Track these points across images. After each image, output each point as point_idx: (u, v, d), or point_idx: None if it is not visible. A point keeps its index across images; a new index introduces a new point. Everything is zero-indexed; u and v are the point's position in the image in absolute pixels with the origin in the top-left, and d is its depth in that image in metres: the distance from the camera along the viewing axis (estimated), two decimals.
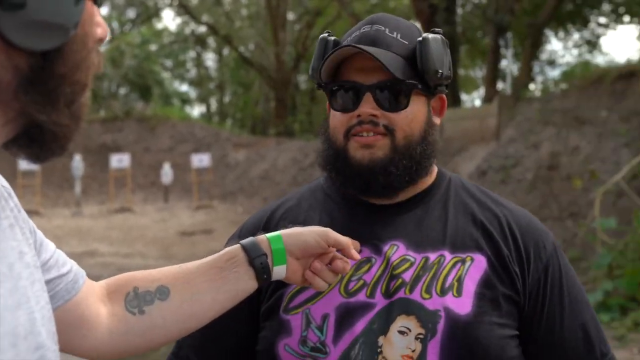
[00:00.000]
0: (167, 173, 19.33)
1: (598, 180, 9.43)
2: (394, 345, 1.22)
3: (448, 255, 1.29)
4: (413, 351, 1.22)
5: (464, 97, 30.77)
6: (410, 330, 1.23)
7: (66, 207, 19.11)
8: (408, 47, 1.29)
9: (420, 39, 1.29)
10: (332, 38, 1.34)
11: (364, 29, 1.31)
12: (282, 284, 1.27)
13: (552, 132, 11.39)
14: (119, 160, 19.43)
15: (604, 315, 6.95)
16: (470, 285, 1.26)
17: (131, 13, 36.30)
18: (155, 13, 35.49)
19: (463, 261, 1.28)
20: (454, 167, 13.04)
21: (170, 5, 32.26)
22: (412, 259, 1.28)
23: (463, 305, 1.24)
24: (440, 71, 1.28)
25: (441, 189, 1.37)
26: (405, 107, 1.28)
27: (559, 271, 1.32)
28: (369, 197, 1.34)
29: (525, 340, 1.29)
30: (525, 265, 1.30)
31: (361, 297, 1.26)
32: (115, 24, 36.08)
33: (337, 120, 1.30)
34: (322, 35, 1.35)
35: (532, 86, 17.04)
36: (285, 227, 1.28)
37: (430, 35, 1.30)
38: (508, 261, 1.29)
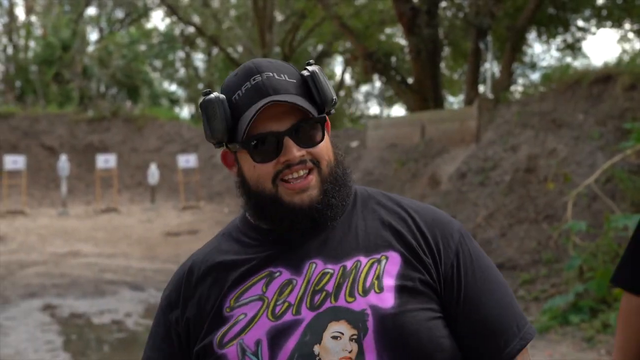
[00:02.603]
0: (153, 173, 19.32)
1: (573, 183, 9.57)
2: (329, 350, 1.29)
3: (364, 259, 1.37)
4: (350, 352, 1.29)
5: (450, 99, 30.92)
6: (343, 334, 1.30)
7: (52, 207, 19.11)
8: (297, 85, 1.39)
9: (308, 73, 1.39)
10: (222, 97, 1.37)
11: (255, 80, 1.36)
12: (215, 326, 1.36)
13: (530, 134, 11.53)
14: (106, 161, 19.42)
15: (574, 317, 7.05)
16: (389, 280, 1.34)
17: (120, 13, 36.28)
18: (144, 13, 35.47)
19: (379, 261, 1.36)
20: (435, 168, 13.17)
21: (159, 5, 32.24)
22: (331, 271, 1.36)
23: (386, 299, 1.32)
24: (334, 98, 1.40)
25: (348, 205, 1.45)
26: (322, 139, 1.38)
27: (469, 255, 1.42)
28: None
29: (448, 322, 1.37)
30: (437, 255, 1.39)
31: (288, 316, 1.33)
32: (103, 24, 36.06)
33: (261, 170, 1.36)
34: (212, 97, 1.37)
35: (513, 89, 17.16)
36: (205, 271, 1.42)
37: (314, 68, 1.40)
38: (420, 253, 1.38)
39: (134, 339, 8.28)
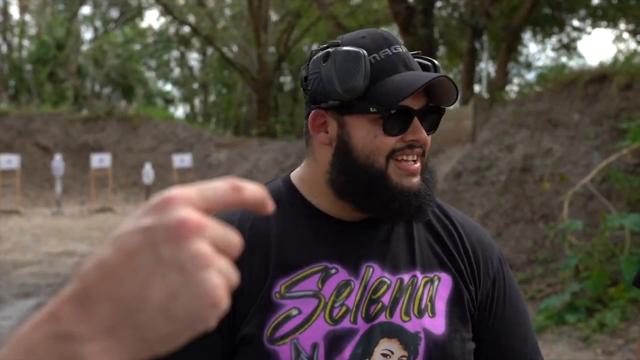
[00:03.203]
0: (148, 173, 19.29)
1: (569, 183, 9.57)
2: None
3: (420, 276, 1.32)
4: None
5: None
6: (392, 353, 1.25)
7: (46, 206, 19.07)
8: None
9: (435, 63, 1.34)
10: (366, 54, 1.26)
11: (397, 49, 1.29)
12: (263, 311, 1.25)
13: (525, 134, 11.53)
14: (100, 160, 19.37)
15: (570, 317, 7.05)
16: (441, 305, 1.31)
17: (114, 12, 36.22)
18: (139, 13, 35.43)
19: (432, 281, 1.32)
20: None
21: (154, 5, 32.19)
22: (389, 281, 1.29)
23: (438, 325, 1.29)
24: None
25: None
26: (435, 129, 1.32)
27: (504, 285, 1.39)
28: (363, 215, 1.32)
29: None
30: (477, 280, 1.36)
31: (346, 323, 1.25)
32: (98, 23, 35.99)
33: (382, 142, 1.25)
34: (357, 50, 1.25)
35: (508, 88, 17.18)
36: (254, 241, 1.27)
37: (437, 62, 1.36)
38: (466, 276, 1.35)
39: None
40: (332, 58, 1.25)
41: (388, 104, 1.23)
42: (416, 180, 1.27)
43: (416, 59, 1.34)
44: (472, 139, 13.19)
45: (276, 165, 19.04)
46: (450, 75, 29.38)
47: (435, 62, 1.35)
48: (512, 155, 11.43)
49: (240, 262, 1.25)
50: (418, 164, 1.27)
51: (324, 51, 1.28)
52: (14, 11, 44.75)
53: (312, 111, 1.30)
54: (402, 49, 1.29)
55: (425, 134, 1.27)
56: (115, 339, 0.44)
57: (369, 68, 1.24)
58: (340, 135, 1.28)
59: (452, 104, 1.29)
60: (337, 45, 1.28)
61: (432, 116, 1.30)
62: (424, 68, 1.33)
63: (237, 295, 1.24)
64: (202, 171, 20.61)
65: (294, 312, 1.25)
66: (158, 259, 0.44)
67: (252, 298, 1.26)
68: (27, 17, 33.33)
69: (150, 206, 0.47)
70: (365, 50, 1.25)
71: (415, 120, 1.26)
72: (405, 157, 1.26)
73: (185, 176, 19.77)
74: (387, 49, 1.27)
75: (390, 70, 1.26)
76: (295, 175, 1.38)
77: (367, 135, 1.26)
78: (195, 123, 28.60)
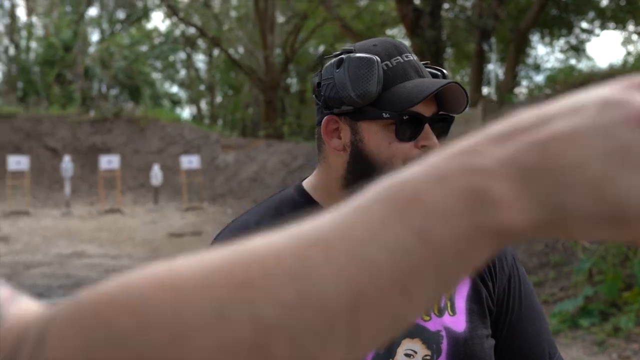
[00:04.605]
0: (156, 174, 19.31)
1: None
2: None
3: None
4: None
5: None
6: (416, 353, 1.26)
7: (55, 207, 19.12)
8: None
9: (444, 72, 1.38)
10: (382, 63, 1.30)
11: (408, 57, 1.32)
12: None
13: None
14: (109, 162, 19.41)
15: (584, 321, 7.03)
16: (461, 303, 1.32)
17: (121, 14, 36.31)
18: (145, 14, 35.50)
19: None
20: None
21: (160, 6, 32.27)
22: None
23: (459, 323, 1.30)
24: None
25: None
26: (445, 137, 1.34)
27: (519, 280, 1.41)
28: None
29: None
30: (494, 276, 1.37)
31: None
32: (105, 25, 36.07)
33: (397, 149, 1.29)
34: (371, 56, 1.29)
35: (517, 90, 17.18)
36: None
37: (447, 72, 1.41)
38: (484, 274, 1.36)
39: None
40: (345, 64, 1.28)
41: (400, 110, 1.26)
42: None
43: (426, 69, 1.37)
44: None
45: (284, 166, 19.06)
46: (458, 78, 29.42)
47: (445, 71, 1.40)
48: None
49: None
50: None
51: (337, 57, 1.31)
52: (22, 13, 44.89)
53: (325, 117, 1.33)
54: (413, 57, 1.33)
55: (436, 140, 1.29)
56: (530, 191, 0.40)
57: (382, 74, 1.27)
58: (354, 142, 1.31)
59: (462, 111, 1.32)
60: (350, 51, 1.31)
61: (442, 124, 1.33)
62: (433, 77, 1.37)
63: None
64: (210, 173, 20.63)
65: None
66: (611, 136, 0.40)
67: None
68: (35, 19, 33.45)
69: (618, 87, 0.43)
70: (378, 57, 1.29)
71: (427, 127, 1.29)
72: None
73: (194, 178, 19.79)
74: (398, 57, 1.31)
75: (402, 77, 1.29)
76: (308, 183, 1.40)
77: (381, 142, 1.29)
78: (202, 125, 28.65)
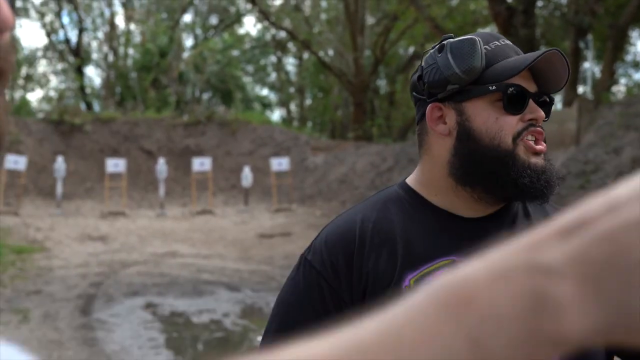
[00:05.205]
0: (247, 176, 19.60)
1: None
2: None
3: None
4: None
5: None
6: None
7: (150, 208, 19.69)
8: None
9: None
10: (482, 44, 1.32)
11: (505, 41, 1.35)
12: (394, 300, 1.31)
13: (634, 136, 11.10)
14: (201, 164, 19.84)
15: None
16: None
17: (214, 20, 37.14)
18: (237, 19, 36.18)
19: None
20: None
21: (251, 11, 32.83)
22: None
23: None
24: None
25: None
26: (547, 117, 1.36)
27: None
28: (493, 206, 1.35)
29: None
30: None
31: None
32: (198, 31, 36.99)
33: (505, 123, 1.29)
34: (473, 37, 1.32)
35: (615, 89, 16.56)
36: (379, 241, 1.32)
37: None
38: None
39: (230, 338, 8.44)
40: (447, 47, 1.31)
41: (506, 80, 1.28)
42: (541, 159, 1.30)
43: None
44: (576, 142, 12.79)
45: (373, 168, 19.01)
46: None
47: None
48: (619, 158, 11.02)
49: (366, 260, 1.30)
50: (543, 145, 1.31)
51: (438, 45, 1.34)
52: (120, 21, 46.65)
53: (429, 105, 1.35)
54: (510, 43, 1.36)
55: (542, 113, 1.31)
56: (596, 293, 0.37)
57: (484, 52, 1.30)
58: (460, 122, 1.32)
59: (564, 84, 1.33)
60: (450, 38, 1.35)
61: (542, 106, 1.33)
62: None
63: (365, 292, 1.29)
64: (299, 174, 20.79)
65: None
66: None
67: (381, 291, 1.28)
68: (132, 27, 34.66)
69: None
70: (483, 41, 1.32)
71: (532, 101, 1.30)
72: (529, 138, 1.29)
73: (283, 179, 19.99)
74: (496, 41, 1.34)
75: (503, 55, 1.32)
76: (410, 179, 1.42)
77: (488, 118, 1.30)
78: (291, 127, 28.93)
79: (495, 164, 1.29)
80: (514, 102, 1.29)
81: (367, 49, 26.93)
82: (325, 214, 16.93)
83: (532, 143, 1.29)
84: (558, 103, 18.20)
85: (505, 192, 1.31)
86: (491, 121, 1.29)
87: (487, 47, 1.32)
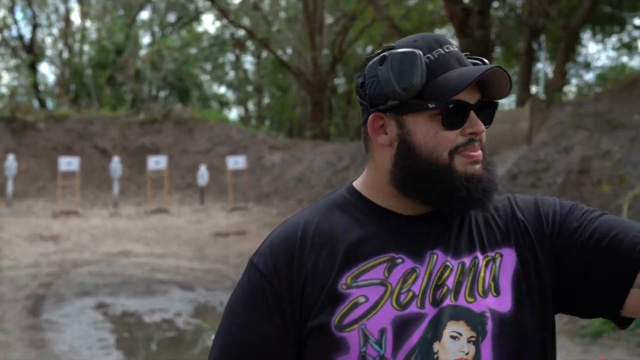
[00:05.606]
0: (203, 175, 19.50)
1: (628, 185, 9.34)
2: (447, 350, 1.27)
3: (480, 257, 1.35)
4: (467, 354, 1.27)
5: (502, 100, 30.47)
6: (461, 335, 1.28)
7: (104, 207, 19.45)
8: None
9: (484, 61, 1.37)
10: (421, 53, 1.31)
11: (449, 48, 1.34)
12: (330, 303, 1.30)
13: (584, 136, 11.30)
14: (157, 162, 19.66)
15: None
16: (506, 282, 1.33)
17: (172, 17, 36.81)
18: (196, 17, 35.93)
19: (493, 259, 1.35)
20: None
21: (210, 9, 32.62)
22: (451, 266, 1.32)
23: (504, 302, 1.31)
24: None
25: None
26: (490, 124, 1.37)
27: (575, 216, 1.36)
28: (427, 208, 1.36)
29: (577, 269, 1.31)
30: (545, 239, 1.36)
31: (413, 308, 1.29)
32: (156, 28, 36.64)
33: (443, 138, 1.31)
34: (413, 50, 1.31)
35: (566, 89, 16.83)
36: (319, 242, 1.34)
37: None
38: (531, 244, 1.36)
39: (183, 338, 8.38)
40: (388, 60, 1.31)
41: (445, 99, 1.28)
42: (479, 166, 1.32)
43: (468, 59, 1.38)
44: (528, 141, 12.97)
45: (329, 167, 19.04)
46: (511, 75, 29.00)
47: (486, 60, 1.39)
48: (569, 157, 11.21)
49: (305, 261, 1.33)
50: (479, 152, 1.32)
51: (380, 55, 1.34)
52: (76, 17, 45.93)
53: (371, 114, 1.36)
54: (454, 47, 1.34)
55: (482, 125, 1.32)
56: None
57: (425, 66, 1.30)
58: (401, 135, 1.33)
59: (506, 95, 1.34)
60: (392, 48, 1.34)
61: (486, 110, 1.35)
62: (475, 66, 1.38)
63: (304, 292, 1.32)
64: (256, 173, 20.74)
65: (361, 299, 1.29)
66: None
67: (318, 293, 1.31)
68: (88, 23, 34.15)
69: None
70: (426, 49, 1.32)
71: (472, 114, 1.31)
72: (468, 153, 1.31)
73: (240, 178, 19.92)
74: (439, 49, 1.33)
75: (445, 67, 1.31)
76: (357, 182, 1.45)
77: (427, 133, 1.31)
78: (249, 125, 28.83)
79: (433, 178, 1.31)
80: (452, 118, 1.30)
81: (325, 48, 26.96)
82: (282, 213, 16.91)
83: (469, 152, 1.31)
84: (512, 103, 18.48)
85: (444, 205, 1.34)
86: (430, 136, 1.31)
87: (429, 56, 1.32)
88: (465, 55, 1.39)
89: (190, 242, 15.02)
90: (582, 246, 1.32)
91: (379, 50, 1.37)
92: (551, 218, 1.37)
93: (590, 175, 10.51)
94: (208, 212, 18.76)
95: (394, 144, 1.34)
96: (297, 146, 21.85)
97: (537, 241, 1.36)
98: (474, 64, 1.37)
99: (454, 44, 1.36)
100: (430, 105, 1.29)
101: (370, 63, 1.35)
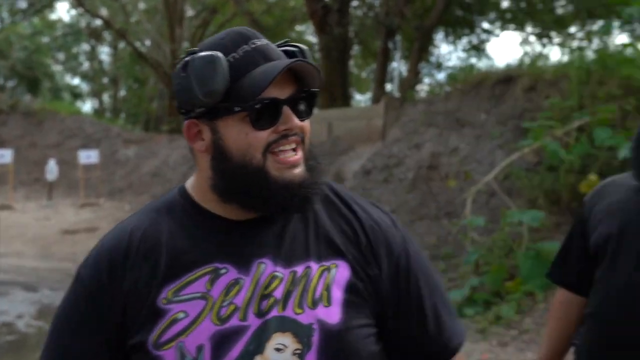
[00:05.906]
0: (52, 169, 18.72)
1: (473, 181, 9.71)
2: None
3: (314, 266, 1.30)
4: None
5: (358, 97, 31.26)
6: (286, 347, 1.24)
7: None
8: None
9: (299, 50, 1.33)
10: (222, 55, 1.26)
11: (255, 43, 1.28)
12: (149, 319, 1.25)
13: (434, 133, 11.65)
14: (1, 156, 18.67)
15: (469, 310, 7.19)
16: (338, 293, 1.28)
17: (23, 3, 35.04)
18: (49, 4, 34.38)
19: (328, 269, 1.30)
20: (340, 166, 13.17)
21: None
22: (281, 275, 1.27)
23: (333, 314, 1.26)
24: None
25: None
26: (311, 113, 1.32)
27: (410, 261, 1.37)
28: (252, 213, 1.31)
29: (387, 326, 1.34)
30: (378, 261, 1.34)
31: (234, 321, 1.24)
32: (5, 14, 34.76)
33: (254, 139, 1.25)
34: (212, 53, 1.25)
35: (419, 88, 17.41)
36: (144, 251, 1.28)
37: (303, 46, 1.36)
38: (366, 261, 1.32)
39: (24, 341, 7.94)
40: (190, 66, 1.26)
41: (250, 100, 1.24)
42: (298, 171, 1.28)
43: (284, 47, 1.34)
44: (382, 137, 13.26)
45: (186, 162, 18.71)
46: (364, 75, 29.74)
47: (302, 46, 1.34)
48: (420, 153, 11.53)
49: (129, 275, 1.19)
50: (299, 154, 1.28)
51: (183, 61, 1.28)
52: None
53: (185, 122, 1.32)
54: (262, 42, 1.30)
55: (297, 121, 1.27)
56: None
57: (227, 69, 1.24)
58: (215, 140, 1.29)
59: (318, 86, 1.30)
60: (195, 52, 1.28)
61: (304, 102, 1.30)
62: (291, 55, 1.33)
63: (126, 307, 1.25)
64: (109, 167, 20.07)
65: (180, 315, 1.24)
66: None
67: (140, 308, 1.26)
68: None
69: None
70: (224, 50, 1.26)
71: (285, 109, 1.26)
72: (282, 148, 1.27)
73: (91, 172, 19.21)
74: (244, 45, 1.28)
75: (250, 65, 1.26)
76: (188, 183, 1.40)
77: (238, 135, 1.26)
78: (103, 118, 27.97)
79: (248, 182, 1.27)
80: (262, 118, 1.25)
81: (185, 41, 26.56)
82: (135, 208, 16.36)
83: (284, 156, 1.27)
84: (367, 100, 18.87)
85: (263, 210, 1.30)
86: (241, 138, 1.26)
87: (234, 55, 1.26)
88: (282, 42, 1.35)
89: (36, 240, 14.37)
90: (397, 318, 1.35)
91: (184, 55, 1.31)
92: (402, 268, 1.37)
93: (439, 170, 10.85)
94: (56, 208, 17.98)
95: (209, 150, 1.30)
96: (153, 140, 21.33)
97: (377, 265, 1.34)
98: (289, 53, 1.33)
99: (262, 37, 1.31)
100: (236, 109, 1.25)
101: (176, 70, 1.30)
